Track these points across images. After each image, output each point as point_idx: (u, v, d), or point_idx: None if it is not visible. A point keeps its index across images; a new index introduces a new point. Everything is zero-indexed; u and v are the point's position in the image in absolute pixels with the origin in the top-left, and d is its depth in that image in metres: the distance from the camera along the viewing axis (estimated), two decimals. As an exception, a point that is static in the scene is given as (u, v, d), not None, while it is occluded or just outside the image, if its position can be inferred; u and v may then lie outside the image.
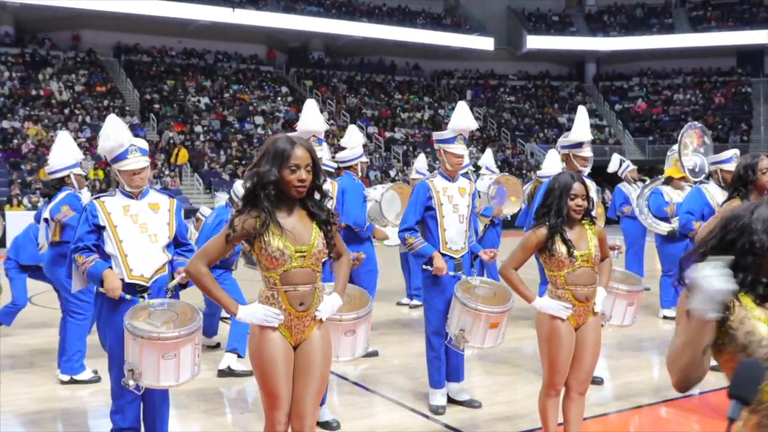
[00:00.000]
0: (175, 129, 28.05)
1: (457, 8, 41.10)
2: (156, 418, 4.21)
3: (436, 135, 5.28)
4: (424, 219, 5.08)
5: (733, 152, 6.39)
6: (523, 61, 41.55)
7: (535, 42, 39.63)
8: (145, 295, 4.06)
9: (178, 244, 4.33)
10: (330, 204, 5.01)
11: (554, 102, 39.92)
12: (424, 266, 5.07)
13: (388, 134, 32.81)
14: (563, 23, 42.00)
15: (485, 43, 38.77)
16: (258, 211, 3.13)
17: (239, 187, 6.67)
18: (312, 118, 5.26)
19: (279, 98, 33.36)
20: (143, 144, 4.34)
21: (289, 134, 3.78)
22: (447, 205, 5.05)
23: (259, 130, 29.84)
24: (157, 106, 29.54)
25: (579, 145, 5.72)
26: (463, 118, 5.21)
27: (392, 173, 28.25)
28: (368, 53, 38.85)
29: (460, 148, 5.12)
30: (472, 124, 5.26)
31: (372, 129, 32.58)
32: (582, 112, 5.94)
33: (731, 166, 6.17)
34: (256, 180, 3.14)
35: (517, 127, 37.14)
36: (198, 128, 28.85)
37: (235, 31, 33.71)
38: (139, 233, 4.14)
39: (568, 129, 6.04)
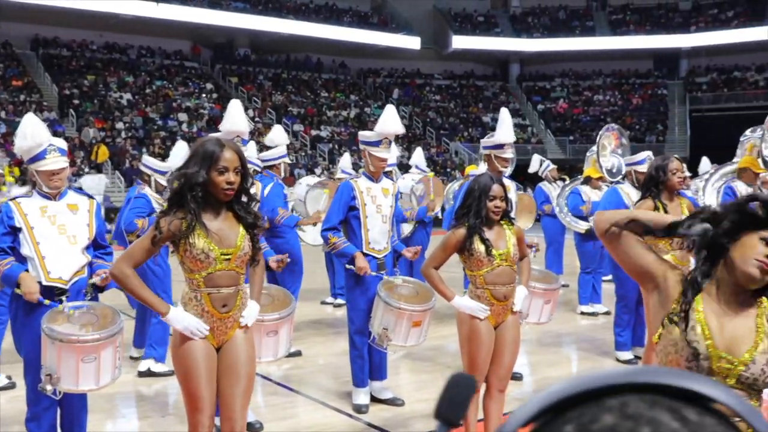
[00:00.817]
0: (96, 125, 27.37)
1: (383, 7, 41.23)
2: (74, 424, 4.14)
3: (362, 136, 5.32)
4: (347, 219, 5.13)
5: (647, 154, 6.65)
6: (448, 61, 41.96)
7: (460, 42, 40.05)
8: (64, 298, 3.99)
9: (97, 246, 4.26)
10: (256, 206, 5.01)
11: (479, 101, 40.46)
12: (347, 266, 5.12)
13: (314, 132, 32.71)
14: (488, 24, 42.58)
15: (411, 42, 39.01)
16: (184, 212, 3.13)
17: (148, 159, 6.58)
18: (236, 118, 5.23)
19: (204, 95, 32.87)
20: (62, 144, 4.25)
21: (216, 135, 3.77)
22: (370, 205, 5.11)
23: (184, 127, 29.35)
24: (76, 101, 28.74)
25: (501, 146, 5.83)
26: (390, 122, 5.26)
27: (318, 171, 28.19)
28: (294, 50, 38.65)
29: (384, 152, 5.18)
30: (399, 129, 5.32)
31: (298, 127, 32.43)
32: (505, 114, 6.05)
33: (645, 168, 6.42)
34: (184, 181, 3.13)
35: (442, 126, 37.50)
36: (119, 125, 28.21)
37: (158, 25, 33.03)
38: (58, 235, 4.06)
39: (492, 128, 6.15)
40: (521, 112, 39.63)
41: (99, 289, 4.17)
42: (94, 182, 8.87)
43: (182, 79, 33.68)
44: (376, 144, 5.16)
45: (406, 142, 32.09)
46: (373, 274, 5.07)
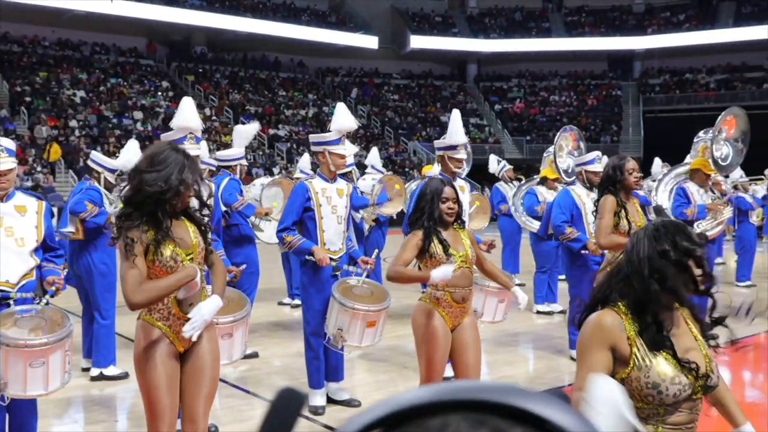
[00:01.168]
0: (48, 123, 26.85)
1: (341, 6, 41.18)
2: (23, 430, 4.05)
3: (319, 138, 5.28)
4: (302, 220, 5.10)
5: (596, 154, 6.74)
6: (406, 60, 42.05)
7: (418, 42, 40.18)
8: (11, 301, 3.90)
9: (47, 248, 4.18)
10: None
11: (437, 101, 40.62)
12: (307, 257, 5.06)
13: (271, 131, 32.52)
14: (446, 24, 42.78)
15: (369, 42, 39.00)
16: (148, 222, 3.08)
17: (98, 156, 6.45)
18: (189, 115, 5.15)
19: (159, 93, 32.46)
20: (10, 144, 4.17)
21: (169, 133, 3.71)
22: (326, 206, 5.09)
23: (138, 126, 28.96)
24: (28, 99, 28.18)
25: (453, 147, 5.87)
26: (345, 118, 5.27)
27: (275, 171, 28.03)
28: (252, 49, 38.38)
29: (344, 149, 5.18)
30: (354, 124, 5.34)
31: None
32: (456, 115, 6.10)
33: (594, 167, 6.53)
34: (165, 187, 3.04)
35: (400, 125, 37.58)
36: (73, 123, 27.72)
37: (113, 22, 32.51)
38: (5, 237, 3.98)
39: None
40: (479, 112, 39.91)
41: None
42: None
43: (137, 76, 33.22)
44: (335, 142, 5.14)
45: (365, 141, 32.08)
46: (333, 264, 5.06)
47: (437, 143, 6.08)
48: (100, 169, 6.25)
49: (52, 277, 3.98)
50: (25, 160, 23.17)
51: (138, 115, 29.91)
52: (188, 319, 3.15)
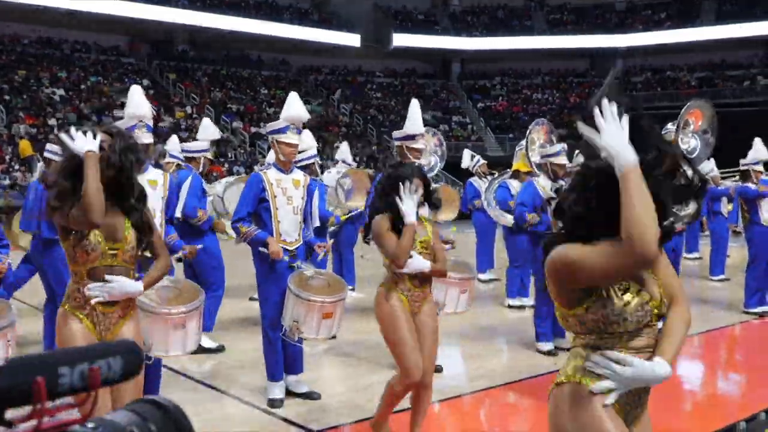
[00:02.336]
0: (27, 121, 26.64)
1: (324, 4, 41.12)
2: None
3: (269, 126, 5.29)
4: (258, 211, 5.07)
5: (561, 146, 6.72)
6: (390, 59, 42.06)
7: (401, 40, 40.20)
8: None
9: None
10: (162, 197, 4.91)
11: (420, 99, 40.50)
12: (261, 249, 5.02)
13: (253, 129, 32.43)
14: (429, 22, 42.81)
15: (352, 40, 39.00)
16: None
17: (55, 147, 6.35)
18: (139, 102, 5.12)
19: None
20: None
21: (120, 122, 3.66)
22: (281, 197, 5.06)
23: (118, 124, 28.75)
24: (6, 97, 27.96)
25: (412, 137, 5.84)
26: (295, 108, 5.25)
27: (257, 169, 27.90)
28: (235, 47, 38.26)
29: (293, 138, 5.14)
30: (304, 115, 5.30)
31: (237, 124, 32.11)
32: (415, 105, 6.07)
33: (559, 159, 6.51)
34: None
35: (383, 123, 37.56)
36: (52, 121, 27.53)
37: (94, 20, 32.35)
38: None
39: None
40: (462, 110, 39.92)
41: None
42: None
43: (118, 74, 33.04)
44: (283, 131, 5.11)
45: (347, 139, 32.02)
46: (286, 259, 5.02)
47: (395, 133, 6.06)
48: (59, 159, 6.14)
49: None
50: (2, 158, 22.98)
51: (118, 113, 29.69)
52: (104, 311, 3.13)
